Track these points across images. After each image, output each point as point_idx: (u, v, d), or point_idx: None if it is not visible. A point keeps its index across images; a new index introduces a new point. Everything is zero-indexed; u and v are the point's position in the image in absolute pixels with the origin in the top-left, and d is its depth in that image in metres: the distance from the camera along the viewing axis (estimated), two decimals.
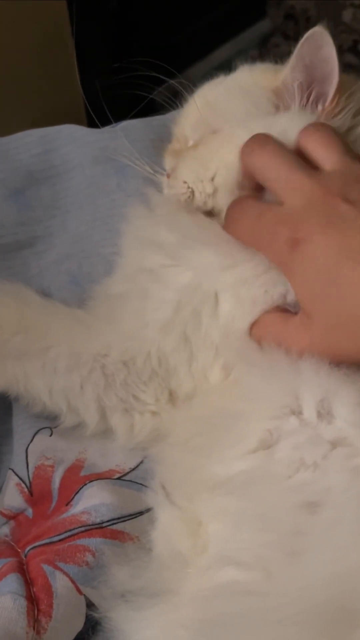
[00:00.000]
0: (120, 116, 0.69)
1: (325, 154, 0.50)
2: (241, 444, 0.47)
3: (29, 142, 0.69)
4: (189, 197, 0.58)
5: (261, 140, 0.51)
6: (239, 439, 0.47)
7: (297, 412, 0.46)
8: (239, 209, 0.52)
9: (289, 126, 0.52)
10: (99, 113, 0.68)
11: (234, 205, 0.53)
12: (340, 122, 0.54)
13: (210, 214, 0.57)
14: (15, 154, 0.68)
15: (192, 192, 0.57)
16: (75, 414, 0.54)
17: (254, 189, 0.53)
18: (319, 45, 0.53)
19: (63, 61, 1.01)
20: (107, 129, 0.72)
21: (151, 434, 0.54)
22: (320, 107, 0.54)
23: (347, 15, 1.74)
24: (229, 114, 0.58)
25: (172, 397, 0.53)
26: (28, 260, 0.66)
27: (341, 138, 0.51)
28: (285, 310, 0.50)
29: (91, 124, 0.71)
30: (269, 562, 0.41)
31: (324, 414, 0.45)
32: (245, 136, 0.53)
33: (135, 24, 1.31)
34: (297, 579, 0.40)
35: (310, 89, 0.55)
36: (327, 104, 0.54)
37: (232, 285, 0.51)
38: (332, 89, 0.54)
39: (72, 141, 0.69)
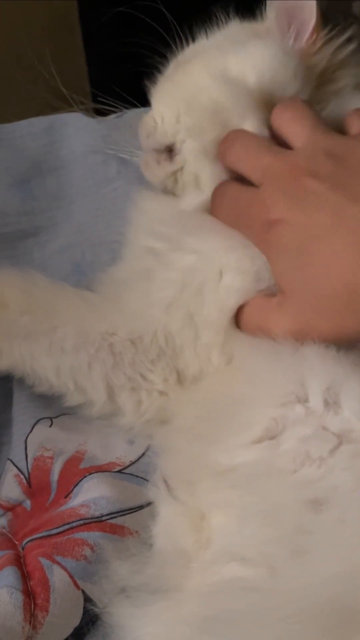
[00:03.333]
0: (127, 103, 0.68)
1: (295, 131, 0.50)
2: (246, 433, 0.46)
3: (35, 132, 0.69)
4: (151, 133, 0.56)
5: (232, 136, 0.52)
6: (244, 427, 0.46)
7: (303, 400, 0.45)
8: (219, 193, 0.53)
9: (258, 55, 0.53)
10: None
11: (215, 190, 0.54)
12: (318, 59, 0.55)
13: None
14: (20, 144, 0.68)
15: (155, 125, 0.56)
16: (82, 394, 0.53)
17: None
18: None
19: (70, 47, 1.01)
20: (112, 117, 0.71)
21: (158, 413, 0.53)
22: (299, 44, 0.55)
23: (357, 7, 1.71)
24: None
25: (180, 378, 0.53)
26: (31, 250, 0.66)
27: (313, 111, 0.51)
28: (272, 294, 0.50)
29: (98, 111, 0.70)
30: (273, 559, 0.40)
31: (331, 402, 0.44)
32: (219, 57, 0.54)
33: (143, 12, 1.31)
34: (301, 576, 0.39)
35: (291, 29, 0.55)
36: (305, 38, 0.55)
37: (237, 260, 0.51)
38: (310, 25, 0.54)
39: (77, 130, 0.69)
